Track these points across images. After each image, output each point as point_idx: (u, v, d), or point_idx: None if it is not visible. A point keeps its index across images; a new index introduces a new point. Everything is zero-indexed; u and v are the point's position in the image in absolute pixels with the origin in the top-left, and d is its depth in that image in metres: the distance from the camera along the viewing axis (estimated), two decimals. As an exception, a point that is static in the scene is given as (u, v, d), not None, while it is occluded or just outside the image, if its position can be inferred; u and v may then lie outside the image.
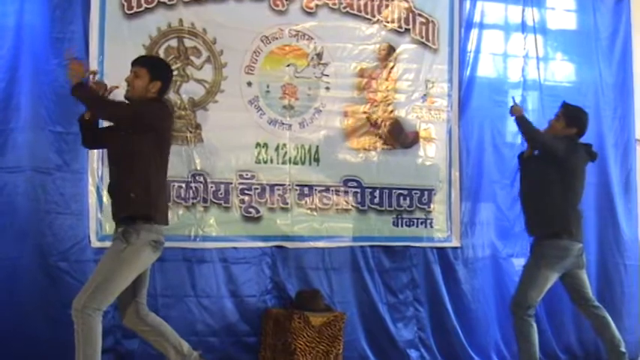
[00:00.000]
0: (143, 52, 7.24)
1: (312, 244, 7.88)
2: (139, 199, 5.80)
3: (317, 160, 7.90)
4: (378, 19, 8.17)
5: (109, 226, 6.78)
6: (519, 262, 8.28)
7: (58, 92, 7.01)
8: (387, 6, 8.20)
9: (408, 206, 8.23)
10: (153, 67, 6.13)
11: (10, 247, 6.90)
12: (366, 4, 8.12)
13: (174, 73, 7.17)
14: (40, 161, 7.00)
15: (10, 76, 6.95)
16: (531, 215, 7.41)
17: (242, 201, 7.61)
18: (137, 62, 6.16)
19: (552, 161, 7.21)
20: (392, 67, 8.24)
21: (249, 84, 7.67)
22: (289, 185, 7.80)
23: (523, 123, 7.38)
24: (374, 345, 8.01)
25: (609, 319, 7.32)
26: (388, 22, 8.22)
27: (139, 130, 5.82)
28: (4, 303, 6.84)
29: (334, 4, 8.00)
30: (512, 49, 8.89)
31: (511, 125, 8.52)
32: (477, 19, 8.66)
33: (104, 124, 6.24)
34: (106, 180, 6.75)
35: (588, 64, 9.08)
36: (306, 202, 7.86)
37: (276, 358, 7.34)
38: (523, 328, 7.17)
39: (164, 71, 6.21)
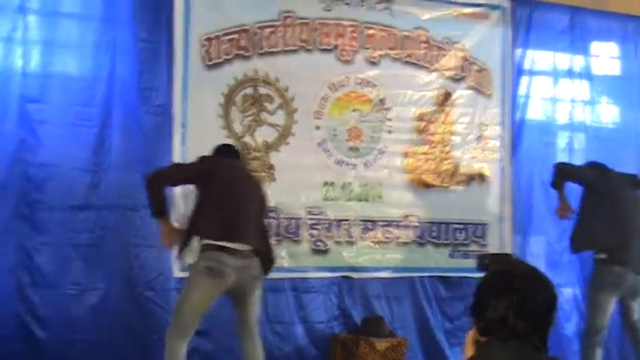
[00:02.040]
0: (222, 100, 7.32)
1: (375, 274, 7.85)
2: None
3: (380, 197, 7.89)
4: (436, 68, 8.15)
5: (189, 258, 6.74)
6: (568, 292, 8.21)
7: (145, 136, 7.10)
8: (444, 55, 8.17)
9: (464, 239, 8.19)
10: None
11: (101, 278, 6.93)
12: (425, 54, 8.10)
13: (250, 118, 7.34)
14: (129, 199, 7.01)
15: (103, 122, 6.99)
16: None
17: (311, 235, 7.61)
18: None
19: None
20: (449, 112, 8.21)
21: (318, 128, 7.68)
22: (354, 220, 7.79)
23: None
24: (433, 369, 7.93)
25: None
26: (445, 71, 8.19)
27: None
28: (96, 329, 6.87)
29: (396, 54, 7.99)
30: (560, 94, 8.84)
31: None
32: (527, 66, 8.62)
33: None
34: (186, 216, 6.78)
35: (630, 107, 9.03)
36: (369, 236, 7.84)
37: (344, 381, 7.31)
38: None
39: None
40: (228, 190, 6.06)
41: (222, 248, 5.89)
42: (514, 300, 2.80)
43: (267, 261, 6.17)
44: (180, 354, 5.87)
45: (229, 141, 7.15)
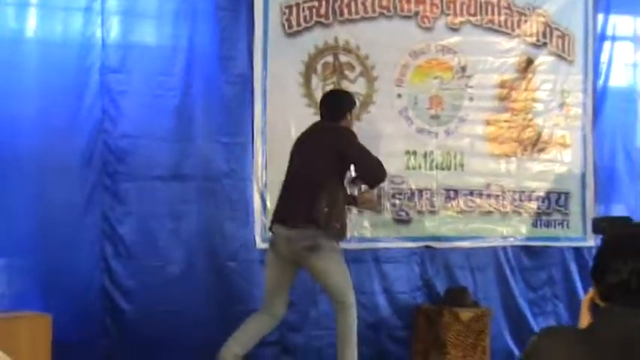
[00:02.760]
0: (302, 69, 7.05)
1: (457, 244, 7.57)
2: None
3: (462, 165, 7.58)
4: (518, 34, 7.79)
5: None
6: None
7: (226, 106, 6.84)
8: (525, 21, 7.80)
9: (546, 208, 7.86)
10: None
11: (184, 249, 6.70)
12: (506, 20, 7.74)
13: (331, 86, 7.03)
14: (210, 170, 6.79)
15: (183, 92, 6.73)
16: None
17: (393, 205, 7.33)
18: None
19: None
20: (531, 79, 7.85)
21: (399, 96, 7.37)
22: (436, 190, 7.49)
23: None
24: (517, 338, 7.65)
25: None
26: (527, 37, 7.82)
27: None
28: (179, 301, 6.64)
29: (477, 20, 7.64)
30: (643, 60, 8.40)
31: None
32: (609, 31, 8.23)
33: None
34: (270, 186, 6.68)
35: None
36: (451, 206, 7.54)
37: (428, 351, 7.07)
38: None
39: None
40: (290, 164, 6.00)
41: (276, 220, 5.84)
42: (638, 264, 2.54)
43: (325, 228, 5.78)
44: (249, 321, 5.85)
45: (310, 110, 6.92)
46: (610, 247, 2.72)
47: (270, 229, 6.04)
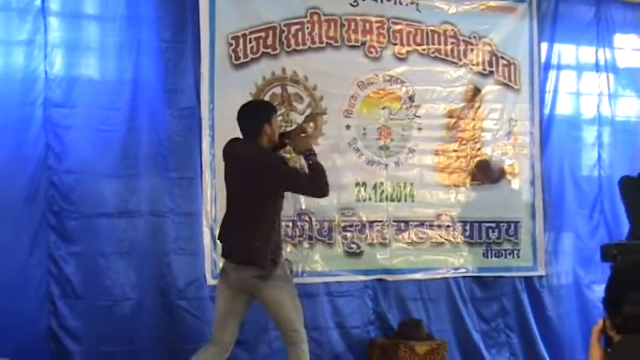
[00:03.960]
0: (249, 99, 6.91)
1: (409, 276, 7.55)
2: None
3: (412, 196, 7.59)
4: (464, 63, 7.86)
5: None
6: (600, 289, 7.87)
7: (172, 140, 6.77)
8: (472, 50, 7.88)
9: (497, 238, 7.91)
10: None
11: (132, 287, 6.58)
12: (452, 50, 7.81)
13: (280, 118, 6.83)
14: (158, 205, 6.70)
15: (128, 126, 6.64)
16: None
17: (344, 237, 7.30)
18: None
19: None
20: (478, 108, 7.93)
21: (348, 127, 7.37)
22: (387, 222, 7.47)
23: None
24: (471, 371, 7.65)
25: None
26: (473, 65, 7.90)
27: None
28: (128, 341, 6.54)
29: (423, 50, 7.69)
30: (587, 88, 8.57)
31: (587, 159, 8.38)
32: (554, 60, 8.35)
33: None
34: (219, 221, 6.39)
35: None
36: (403, 237, 7.53)
37: (384, 387, 7.00)
38: None
39: None
40: (227, 187, 5.86)
41: (223, 254, 5.77)
42: None
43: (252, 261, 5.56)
44: (197, 356, 5.64)
45: None
46: (626, 277, 2.66)
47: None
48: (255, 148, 5.66)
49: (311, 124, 6.06)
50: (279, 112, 6.81)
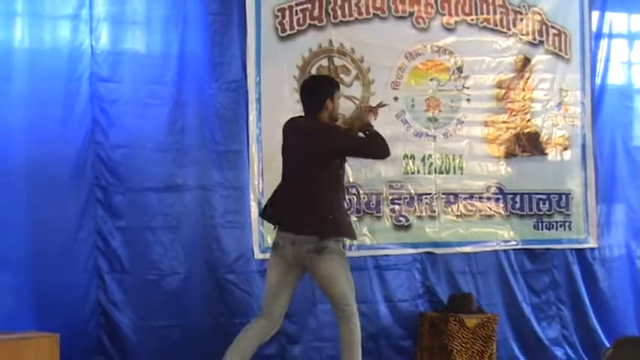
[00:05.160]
0: (297, 73, 6.97)
1: (458, 249, 7.52)
2: None
3: (461, 168, 7.55)
4: (514, 33, 7.76)
5: (270, 238, 6.31)
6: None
7: (219, 113, 6.73)
8: (521, 19, 7.77)
9: (548, 210, 7.83)
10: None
11: (180, 261, 6.56)
12: (501, 19, 7.70)
13: None
14: (205, 179, 6.66)
15: (175, 100, 6.61)
16: None
17: (392, 210, 7.27)
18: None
19: None
20: (528, 78, 7.83)
21: (396, 99, 7.30)
22: (436, 194, 7.43)
23: None
24: (521, 344, 7.65)
25: None
26: (523, 35, 7.80)
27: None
28: (176, 315, 6.53)
29: (472, 20, 7.60)
30: (639, 57, 8.44)
31: (639, 129, 8.22)
32: (605, 29, 8.22)
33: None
34: (267, 195, 6.33)
35: None
36: (451, 210, 7.49)
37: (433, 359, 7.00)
38: None
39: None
40: (284, 166, 5.77)
41: (279, 222, 5.65)
42: None
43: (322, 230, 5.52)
44: (246, 329, 5.58)
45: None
46: None
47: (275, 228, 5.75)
48: (315, 122, 5.64)
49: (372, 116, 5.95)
50: None
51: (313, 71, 7.00)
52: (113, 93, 6.44)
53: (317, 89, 5.73)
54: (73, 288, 6.25)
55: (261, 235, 6.73)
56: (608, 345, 7.58)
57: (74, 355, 5.98)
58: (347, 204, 6.13)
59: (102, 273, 6.35)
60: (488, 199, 7.62)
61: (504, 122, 7.72)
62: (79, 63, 6.36)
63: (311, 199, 5.52)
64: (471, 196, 7.56)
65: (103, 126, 6.40)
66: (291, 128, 5.73)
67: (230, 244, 6.69)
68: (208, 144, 6.71)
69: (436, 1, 7.46)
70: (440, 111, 7.48)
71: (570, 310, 7.87)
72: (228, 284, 6.65)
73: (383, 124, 6.87)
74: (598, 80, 8.12)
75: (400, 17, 7.34)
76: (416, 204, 7.36)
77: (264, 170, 6.75)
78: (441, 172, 7.47)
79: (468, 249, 7.54)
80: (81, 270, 6.30)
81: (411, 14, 7.38)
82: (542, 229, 7.79)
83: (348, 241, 6.66)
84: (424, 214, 7.39)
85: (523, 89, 7.80)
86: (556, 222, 7.84)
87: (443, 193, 7.46)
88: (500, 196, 7.65)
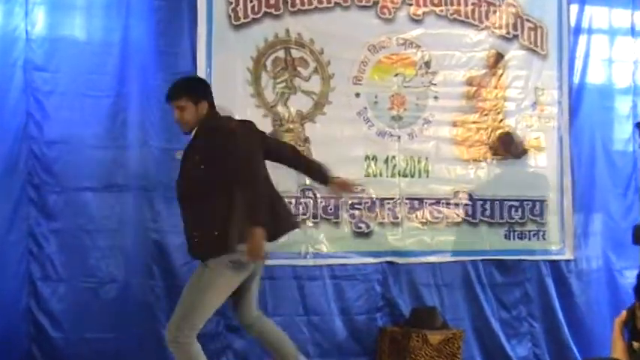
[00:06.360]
0: (251, 65, 7.08)
1: (423, 259, 7.60)
2: None
3: (427, 172, 7.63)
4: (486, 26, 7.87)
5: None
6: (633, 275, 7.91)
7: (164, 107, 6.67)
8: (494, 12, 7.89)
9: (520, 218, 7.94)
10: (189, 91, 5.70)
11: (119, 268, 6.70)
12: (473, 11, 7.83)
13: (283, 85, 7.11)
14: (148, 178, 6.79)
15: (117, 92, 6.73)
16: None
17: (352, 216, 7.36)
18: (172, 97, 5.71)
19: None
20: (501, 75, 7.94)
21: (358, 95, 7.41)
22: (399, 199, 7.52)
23: None
24: (489, 362, 7.72)
25: None
26: (496, 29, 7.91)
27: None
28: (113, 326, 6.68)
29: (441, 11, 7.71)
30: (621, 55, 8.56)
31: (621, 132, 8.38)
32: (585, 24, 8.34)
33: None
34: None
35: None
36: (416, 216, 7.58)
37: (392, 379, 7.09)
38: None
39: (201, 87, 5.85)
40: (261, 162, 5.75)
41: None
42: None
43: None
44: (196, 350, 5.54)
45: (259, 111, 7.04)
46: None
47: None
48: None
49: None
50: (282, 78, 7.09)
51: (268, 63, 7.13)
52: (49, 83, 6.56)
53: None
54: (1, 295, 6.34)
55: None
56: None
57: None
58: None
59: (34, 279, 6.46)
60: (456, 205, 7.71)
61: (475, 122, 7.82)
62: (12, 49, 6.46)
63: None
64: (438, 202, 7.65)
65: (38, 119, 6.52)
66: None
67: (174, 250, 6.79)
68: (151, 140, 6.81)
69: (403, -10, 7.56)
70: (405, 109, 7.58)
71: (543, 326, 7.97)
72: (171, 293, 6.69)
73: (343, 122, 7.24)
74: (576, 78, 8.24)
75: (364, 7, 7.46)
76: (378, 209, 7.44)
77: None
78: (405, 176, 7.56)
79: (433, 259, 7.62)
80: (10, 276, 6.40)
81: (376, 3, 7.49)
82: (513, 239, 7.90)
83: (302, 250, 6.85)
84: (386, 220, 7.48)
85: (495, 87, 7.90)
86: (529, 231, 7.95)
87: (407, 198, 7.54)
88: (469, 203, 7.76)
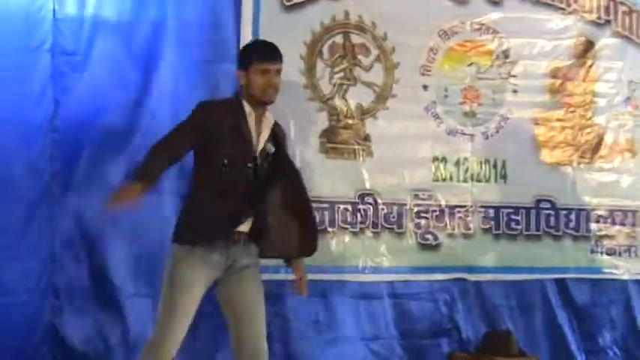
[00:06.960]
0: (304, 51, 6.82)
1: (498, 276, 7.32)
2: None
3: (504, 177, 7.33)
4: (574, 9, 7.54)
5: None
6: None
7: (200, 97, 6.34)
8: (584, -7, 7.63)
9: (609, 231, 7.59)
10: None
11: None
12: (560, -8, 7.56)
13: (340, 75, 6.90)
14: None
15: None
16: None
17: (418, 226, 7.08)
18: (278, 58, 5.43)
19: None
20: (590, 66, 7.60)
21: (425, 87, 7.13)
22: (472, 207, 7.24)
23: None
24: (571, 396, 7.48)
25: None
26: (586, 13, 7.57)
27: None
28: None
29: (524, -8, 7.45)
30: None
31: None
32: (688, 8, 8.02)
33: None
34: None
35: None
36: (491, 227, 7.28)
37: (462, 410, 6.95)
38: None
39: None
40: None
41: None
42: None
43: None
44: None
45: (313, 105, 6.83)
46: None
47: None
48: None
49: None
50: (339, 67, 6.89)
51: (324, 50, 6.89)
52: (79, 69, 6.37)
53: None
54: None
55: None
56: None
57: None
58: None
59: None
60: (536, 214, 7.40)
61: (559, 120, 7.51)
62: (35, 32, 6.26)
63: None
64: (516, 211, 7.36)
65: (66, 108, 6.33)
66: None
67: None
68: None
69: (479, -32, 7.32)
70: (479, 104, 7.29)
71: (628, 356, 7.63)
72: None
73: (408, 118, 7.05)
74: (678, 70, 7.90)
75: (434, -13, 7.23)
76: (447, 219, 7.16)
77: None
78: (478, 180, 7.28)
79: (508, 276, 7.35)
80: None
81: (449, -17, 7.26)
82: (601, 255, 7.57)
83: (360, 263, 6.81)
84: (456, 231, 7.19)
85: (584, 80, 7.58)
86: (619, 246, 7.61)
87: (480, 206, 7.26)
88: (551, 212, 7.43)
